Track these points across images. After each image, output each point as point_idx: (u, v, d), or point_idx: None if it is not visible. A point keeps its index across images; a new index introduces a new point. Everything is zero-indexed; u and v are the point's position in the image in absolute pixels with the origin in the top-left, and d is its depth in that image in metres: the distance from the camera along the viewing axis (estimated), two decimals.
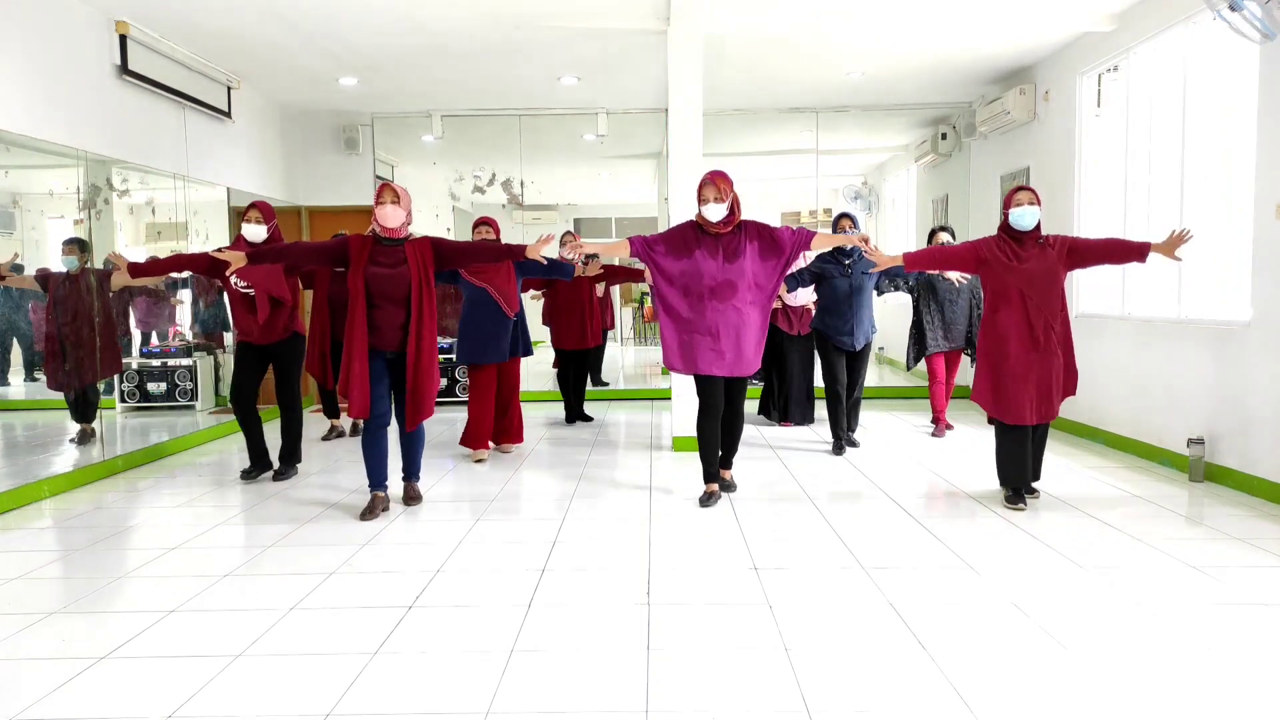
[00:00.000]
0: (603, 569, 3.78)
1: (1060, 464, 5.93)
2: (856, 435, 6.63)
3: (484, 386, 6.25)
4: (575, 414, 8.04)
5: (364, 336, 4.58)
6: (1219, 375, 5.32)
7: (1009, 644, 2.95)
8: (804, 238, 4.89)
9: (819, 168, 10.02)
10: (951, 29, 6.70)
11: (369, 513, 4.71)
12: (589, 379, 8.75)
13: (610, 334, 9.60)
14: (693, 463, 5.95)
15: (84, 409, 6.24)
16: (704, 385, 4.96)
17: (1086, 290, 7.07)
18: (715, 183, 4.79)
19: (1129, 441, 6.26)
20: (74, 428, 6.19)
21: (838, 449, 6.33)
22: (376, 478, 4.82)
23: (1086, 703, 2.52)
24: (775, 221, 12.33)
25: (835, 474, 5.66)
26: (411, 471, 5.02)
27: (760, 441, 6.87)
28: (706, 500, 4.92)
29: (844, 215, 6.55)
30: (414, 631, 3.10)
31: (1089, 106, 6.99)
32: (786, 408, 7.65)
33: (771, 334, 7.53)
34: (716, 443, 5.02)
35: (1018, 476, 4.76)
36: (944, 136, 9.40)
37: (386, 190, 4.66)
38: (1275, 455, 4.86)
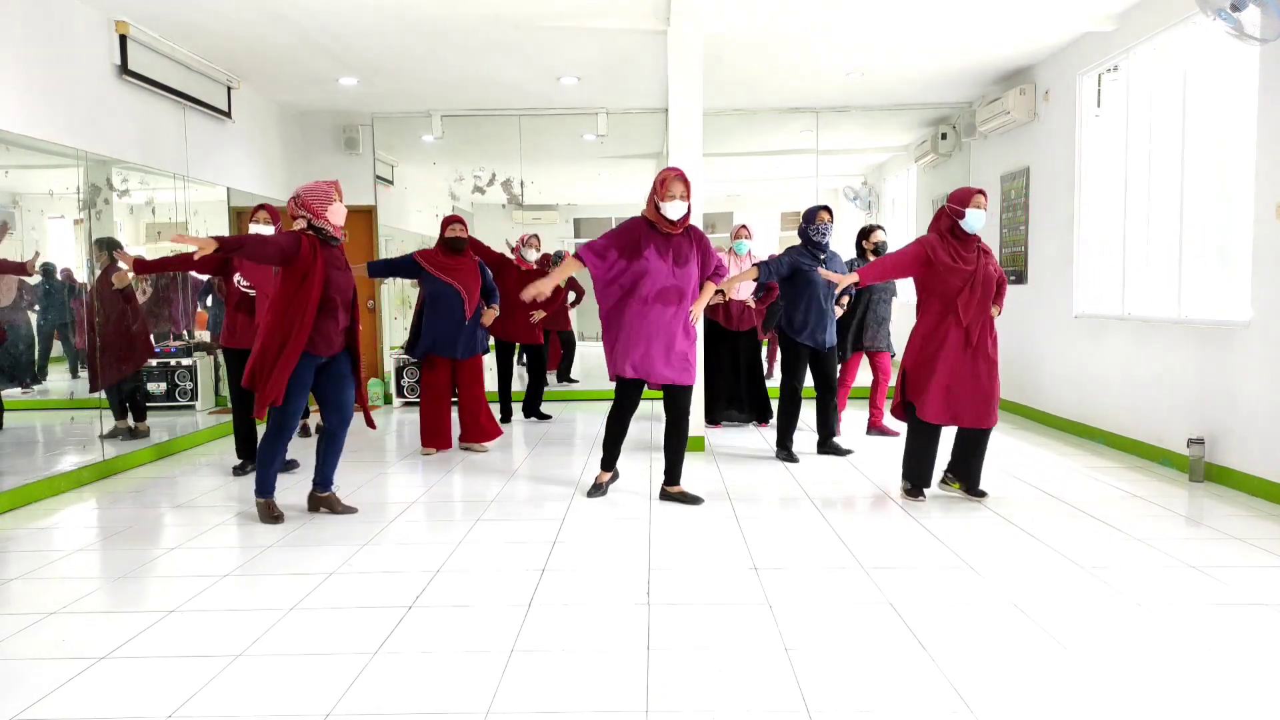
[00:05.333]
0: (603, 569, 3.78)
1: (1060, 464, 5.93)
2: (840, 441, 6.33)
3: (437, 384, 6.41)
4: (533, 408, 8.10)
5: (306, 340, 4.36)
6: (1219, 375, 5.32)
7: (1009, 644, 2.95)
8: (721, 271, 4.96)
9: (819, 168, 10.02)
10: (951, 29, 6.70)
11: (279, 519, 4.61)
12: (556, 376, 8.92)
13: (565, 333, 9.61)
14: (693, 462, 5.95)
15: (133, 406, 6.61)
16: (625, 386, 4.91)
17: (1087, 290, 7.06)
18: (684, 180, 4.73)
19: (1129, 441, 6.26)
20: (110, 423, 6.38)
21: (789, 456, 6.07)
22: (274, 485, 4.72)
23: (1086, 703, 2.52)
24: (775, 222, 12.24)
25: (834, 474, 5.66)
26: (329, 478, 4.80)
27: (759, 442, 6.87)
28: (595, 491, 5.08)
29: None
30: (414, 631, 3.10)
31: (1089, 106, 6.99)
32: (740, 405, 7.52)
33: (710, 331, 7.30)
34: (621, 435, 5.06)
35: (922, 473, 4.87)
36: (944, 136, 9.40)
37: (336, 189, 4.47)
38: (1275, 455, 4.86)
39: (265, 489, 4.65)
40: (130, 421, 6.49)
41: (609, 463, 5.16)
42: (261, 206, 5.65)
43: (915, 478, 4.90)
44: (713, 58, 7.07)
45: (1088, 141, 7.00)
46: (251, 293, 5.54)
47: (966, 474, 4.93)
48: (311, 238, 4.41)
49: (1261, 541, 4.09)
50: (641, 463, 6.08)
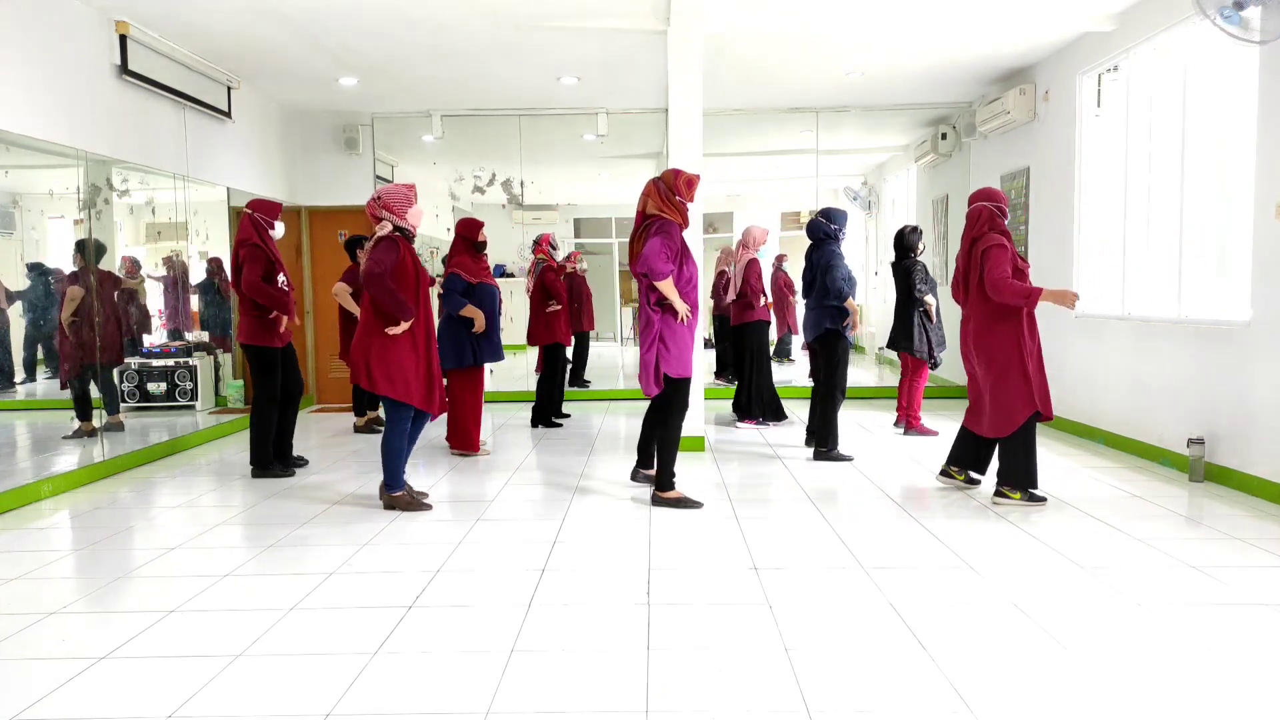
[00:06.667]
0: (603, 569, 3.78)
1: (1060, 464, 5.93)
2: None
3: (480, 386, 6.44)
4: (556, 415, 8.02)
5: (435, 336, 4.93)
6: (1219, 375, 5.32)
7: (1009, 644, 2.95)
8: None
9: (819, 168, 10.03)
10: (951, 29, 6.70)
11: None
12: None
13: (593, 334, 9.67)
14: (693, 463, 5.96)
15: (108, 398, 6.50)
16: (686, 386, 4.88)
17: (1086, 290, 7.06)
18: None
19: (1129, 441, 6.26)
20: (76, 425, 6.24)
21: (843, 456, 6.11)
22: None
23: (1086, 703, 2.52)
24: (775, 221, 12.29)
25: (834, 474, 5.66)
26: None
27: (759, 442, 6.87)
28: (695, 503, 4.84)
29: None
30: (414, 631, 3.10)
31: (1089, 106, 6.99)
32: (768, 405, 7.62)
33: (750, 330, 7.48)
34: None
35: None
36: (944, 136, 9.40)
37: (414, 192, 4.80)
38: (1275, 455, 4.86)
39: (401, 481, 4.86)
40: (94, 422, 6.36)
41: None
42: (280, 205, 5.68)
43: (1034, 478, 4.81)
44: (713, 58, 7.07)
45: (1088, 141, 7.00)
46: (288, 290, 5.63)
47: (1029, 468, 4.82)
48: (400, 239, 4.67)
49: (1261, 541, 4.09)
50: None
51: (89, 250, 6.08)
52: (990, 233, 4.72)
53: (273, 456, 5.77)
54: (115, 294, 6.59)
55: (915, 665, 2.77)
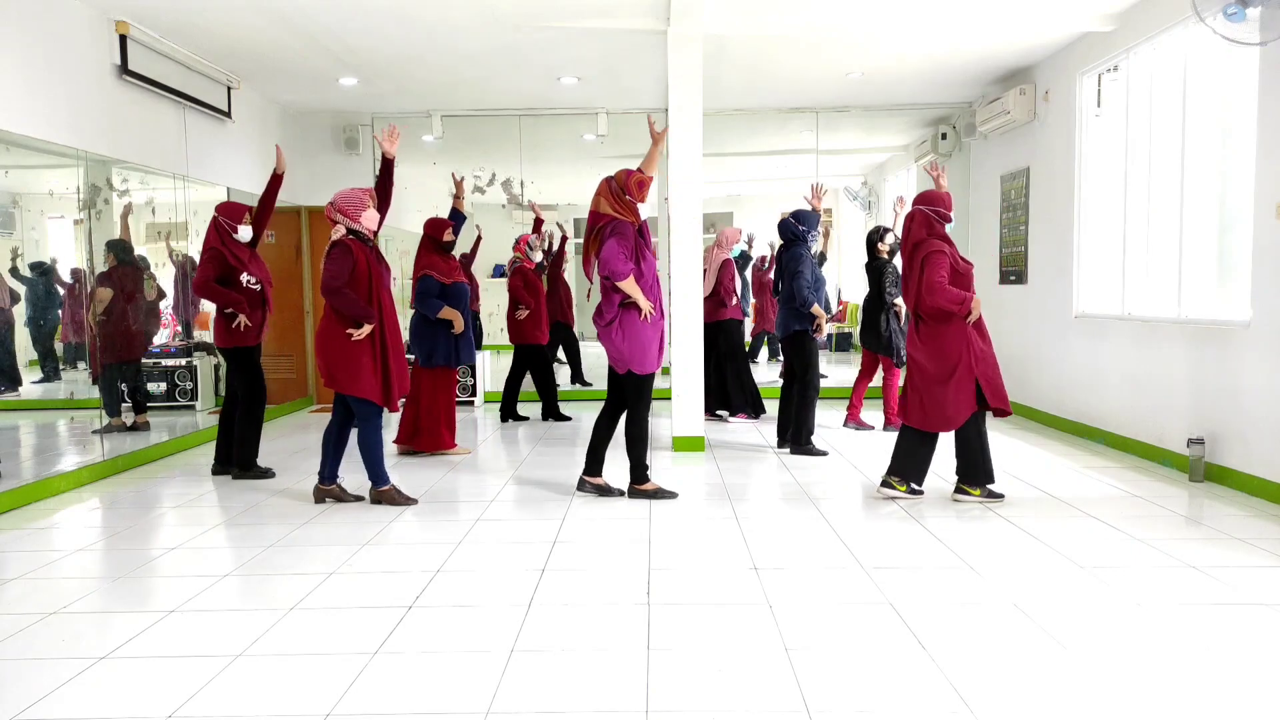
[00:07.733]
0: (603, 569, 3.78)
1: (1060, 464, 5.93)
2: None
3: (452, 385, 6.45)
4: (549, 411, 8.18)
5: (396, 332, 4.96)
6: (1219, 375, 5.32)
7: (1009, 644, 2.95)
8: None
9: (819, 168, 10.02)
10: (951, 29, 6.70)
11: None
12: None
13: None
14: (693, 462, 5.96)
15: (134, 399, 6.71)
16: (650, 382, 4.96)
17: (1087, 290, 7.06)
18: None
19: (1129, 441, 6.26)
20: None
21: (817, 450, 6.28)
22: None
23: (1086, 703, 2.52)
24: (775, 222, 12.29)
25: (834, 474, 5.66)
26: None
27: (759, 440, 6.87)
28: (668, 494, 5.02)
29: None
30: (414, 631, 3.10)
31: (1089, 106, 6.99)
32: (751, 398, 7.81)
33: (723, 329, 7.65)
34: None
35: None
36: (944, 136, 9.40)
37: (370, 195, 4.89)
38: (1275, 455, 4.86)
39: (385, 475, 4.99)
40: (124, 419, 6.46)
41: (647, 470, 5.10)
42: (248, 209, 5.67)
43: (990, 474, 4.86)
44: (713, 57, 7.07)
45: (1088, 141, 7.00)
46: (258, 288, 5.59)
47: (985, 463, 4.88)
48: (354, 242, 4.75)
49: (1261, 541, 4.09)
50: None
51: (114, 249, 6.17)
52: (929, 238, 4.75)
53: (223, 458, 5.72)
54: (136, 294, 6.65)
55: (915, 665, 2.77)
